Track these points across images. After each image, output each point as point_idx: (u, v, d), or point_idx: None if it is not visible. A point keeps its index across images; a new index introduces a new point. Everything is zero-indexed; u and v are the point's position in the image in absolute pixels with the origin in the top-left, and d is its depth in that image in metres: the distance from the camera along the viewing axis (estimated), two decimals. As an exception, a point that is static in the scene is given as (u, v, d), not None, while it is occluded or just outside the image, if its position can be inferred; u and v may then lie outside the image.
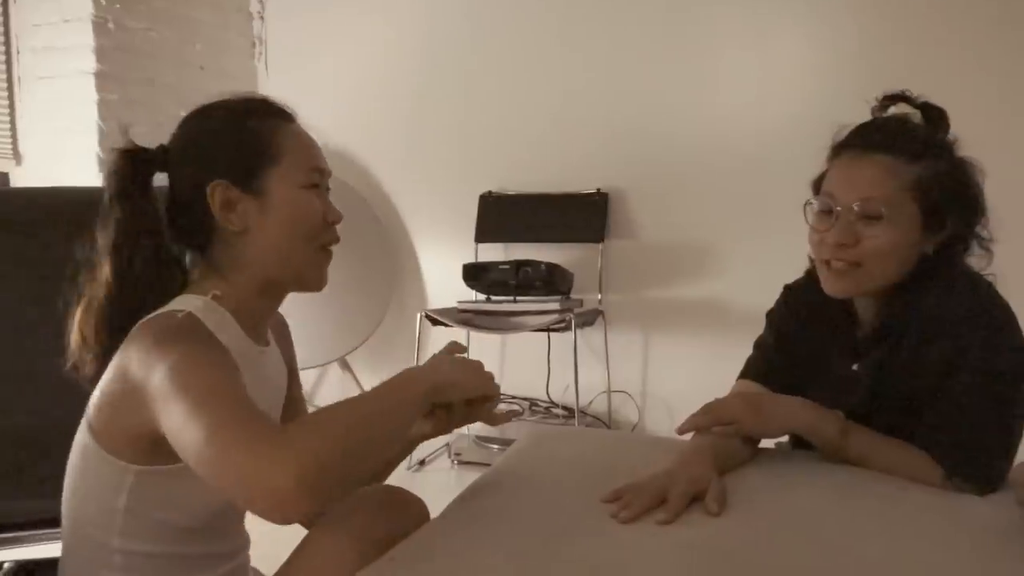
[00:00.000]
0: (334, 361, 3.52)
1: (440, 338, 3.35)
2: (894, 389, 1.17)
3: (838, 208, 1.14)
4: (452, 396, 1.02)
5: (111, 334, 0.95)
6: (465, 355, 1.08)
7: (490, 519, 0.95)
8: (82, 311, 0.99)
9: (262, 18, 3.81)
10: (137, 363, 0.87)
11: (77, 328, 0.99)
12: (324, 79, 3.68)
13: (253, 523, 1.12)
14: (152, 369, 0.85)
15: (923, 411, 1.12)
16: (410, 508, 1.07)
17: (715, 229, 3.18)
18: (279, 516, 0.77)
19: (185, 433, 0.81)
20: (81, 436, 0.98)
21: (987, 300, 1.13)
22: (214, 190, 0.98)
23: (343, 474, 0.81)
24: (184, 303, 0.96)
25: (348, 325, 3.46)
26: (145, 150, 1.01)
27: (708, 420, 1.17)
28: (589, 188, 3.31)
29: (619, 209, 3.32)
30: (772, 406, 1.19)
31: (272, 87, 3.77)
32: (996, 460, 1.08)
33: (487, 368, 1.06)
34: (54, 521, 1.03)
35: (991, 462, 1.08)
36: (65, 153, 2.99)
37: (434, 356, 1.05)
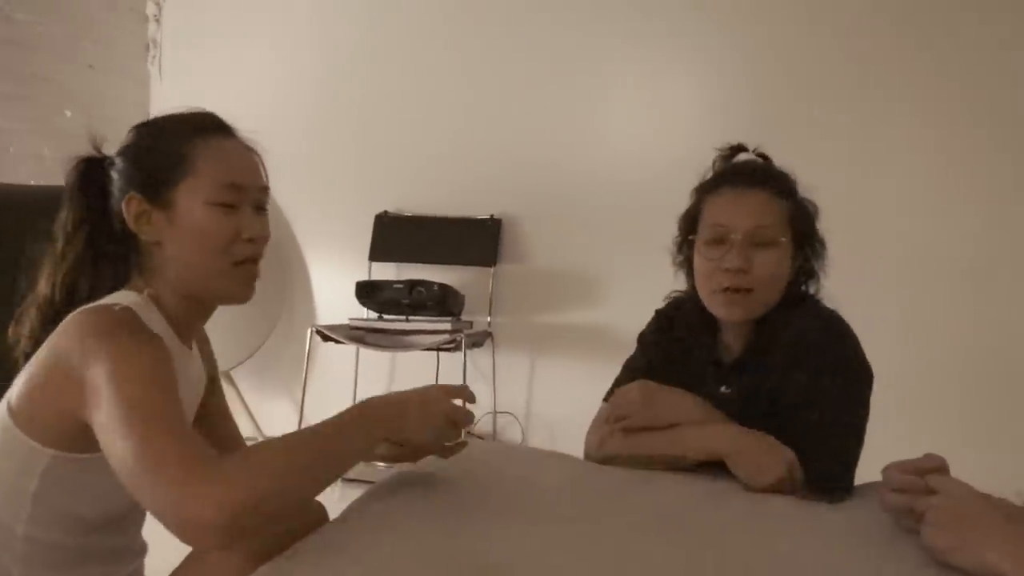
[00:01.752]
0: (217, 375, 3.43)
1: (330, 354, 3.36)
2: (761, 409, 1.27)
3: (733, 236, 1.24)
4: (410, 443, 1.05)
5: (44, 324, 0.99)
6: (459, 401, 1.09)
7: (394, 517, 0.97)
8: (26, 300, 1.03)
9: (158, 21, 3.72)
10: (73, 352, 0.89)
11: (17, 316, 1.03)
12: (219, 89, 3.60)
13: (147, 530, 1.12)
14: (90, 360, 0.87)
15: (786, 428, 1.22)
16: (307, 509, 1.09)
17: (602, 258, 3.32)
18: (197, 544, 0.81)
19: (117, 442, 0.83)
20: None
21: (838, 327, 1.27)
22: (129, 202, 1.02)
23: (270, 514, 0.82)
24: (121, 297, 0.98)
25: (234, 338, 3.39)
26: (92, 159, 1.06)
27: (610, 411, 1.29)
28: (483, 213, 3.39)
29: (511, 235, 3.42)
30: (664, 400, 1.27)
31: (164, 93, 3.68)
32: (849, 471, 1.21)
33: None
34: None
35: (846, 474, 1.20)
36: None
37: (422, 391, 1.05)
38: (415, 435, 1.02)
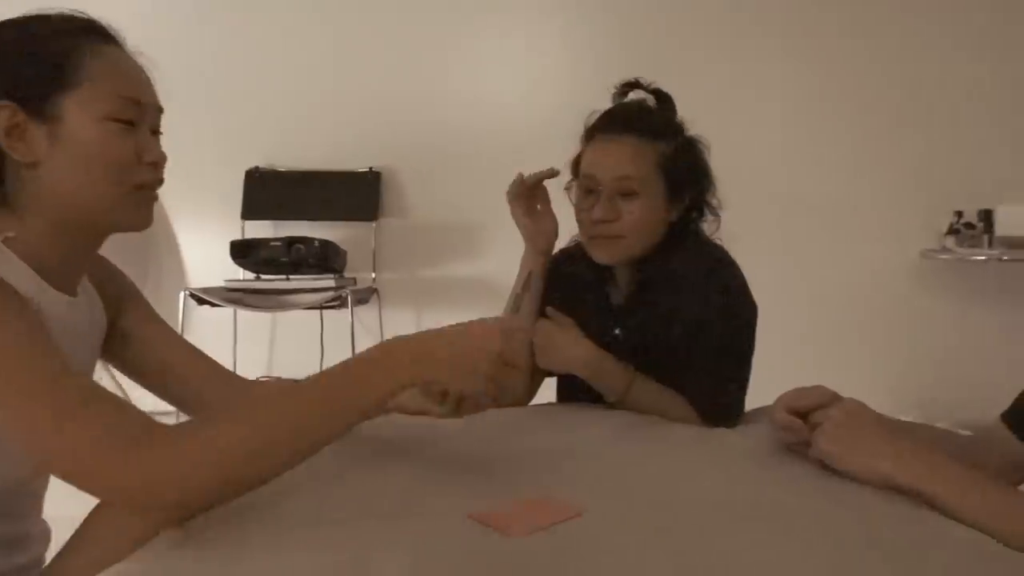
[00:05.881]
0: (78, 348, 3.19)
1: (205, 319, 3.19)
2: (652, 347, 1.30)
3: (599, 188, 1.27)
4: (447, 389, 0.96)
5: None
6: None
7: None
8: None
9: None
10: None
11: None
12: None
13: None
14: None
15: (677, 363, 1.26)
16: None
17: (484, 210, 3.26)
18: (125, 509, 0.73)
19: (16, 422, 0.73)
20: None
21: (722, 261, 1.31)
22: None
23: (233, 496, 0.74)
24: None
25: (96, 308, 3.16)
26: None
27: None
28: (361, 167, 3.29)
29: (392, 188, 3.34)
30: (565, 346, 1.30)
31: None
32: (737, 399, 1.27)
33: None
34: None
35: (733, 402, 1.26)
36: None
37: (462, 325, 0.91)
38: (453, 380, 0.89)
